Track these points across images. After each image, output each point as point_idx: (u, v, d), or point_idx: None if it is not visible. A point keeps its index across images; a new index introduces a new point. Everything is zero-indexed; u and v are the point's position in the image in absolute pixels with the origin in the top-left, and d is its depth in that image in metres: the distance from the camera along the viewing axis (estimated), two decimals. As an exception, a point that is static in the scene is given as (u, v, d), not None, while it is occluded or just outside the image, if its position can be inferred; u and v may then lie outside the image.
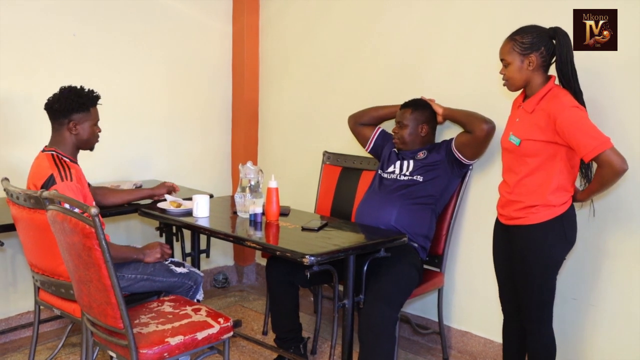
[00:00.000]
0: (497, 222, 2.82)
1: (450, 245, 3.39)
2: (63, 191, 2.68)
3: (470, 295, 3.48)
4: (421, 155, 3.28)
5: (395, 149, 3.39)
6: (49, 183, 2.71)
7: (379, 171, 3.40)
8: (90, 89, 2.91)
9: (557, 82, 2.59)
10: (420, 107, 3.30)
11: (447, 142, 3.25)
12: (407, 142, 3.29)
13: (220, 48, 4.52)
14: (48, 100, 2.87)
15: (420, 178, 3.22)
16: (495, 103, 3.17)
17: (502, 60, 2.63)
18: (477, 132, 3.08)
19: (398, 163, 3.33)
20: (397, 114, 3.34)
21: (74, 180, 2.76)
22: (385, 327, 2.81)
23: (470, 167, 3.33)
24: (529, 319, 2.69)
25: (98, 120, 2.95)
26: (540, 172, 2.57)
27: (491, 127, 3.08)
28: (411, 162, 3.28)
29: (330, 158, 3.91)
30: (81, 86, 2.90)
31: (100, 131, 2.97)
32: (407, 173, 3.26)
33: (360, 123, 3.57)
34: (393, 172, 3.31)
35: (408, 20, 3.63)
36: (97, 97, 2.92)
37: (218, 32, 4.49)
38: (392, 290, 2.89)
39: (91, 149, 2.99)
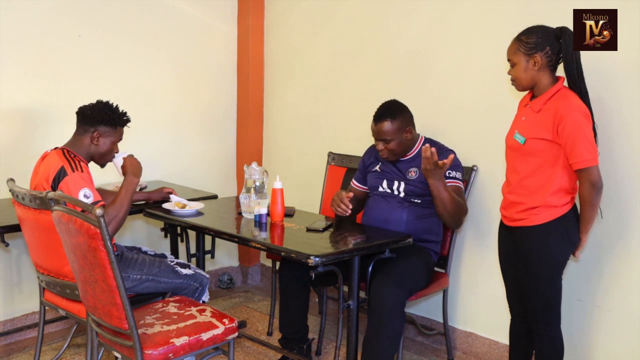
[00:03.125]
0: (501, 224, 2.82)
1: (455, 246, 3.38)
2: (75, 181, 2.72)
3: (475, 296, 3.47)
4: (413, 174, 3.14)
5: (378, 168, 3.26)
6: (60, 175, 2.73)
7: (373, 192, 3.28)
8: (125, 111, 3.02)
9: (565, 83, 2.60)
10: (397, 112, 3.10)
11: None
12: (398, 153, 3.15)
13: (225, 49, 4.53)
14: (82, 105, 2.96)
15: (418, 200, 3.13)
16: (503, 102, 3.16)
17: (509, 60, 2.64)
18: (445, 222, 3.15)
19: (385, 183, 3.20)
20: (374, 130, 3.12)
21: (85, 172, 2.78)
22: (394, 305, 2.80)
23: (475, 169, 3.33)
24: (536, 320, 2.68)
25: (120, 140, 3.03)
26: (542, 172, 2.58)
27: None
28: (402, 183, 3.15)
29: (335, 159, 3.91)
30: (117, 105, 3.00)
31: (117, 151, 3.04)
32: (402, 195, 3.15)
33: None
34: (387, 190, 3.20)
35: (414, 20, 3.62)
36: (128, 120, 3.03)
37: (223, 32, 4.49)
38: (401, 274, 2.88)
39: (102, 165, 3.06)
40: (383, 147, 3.13)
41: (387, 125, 3.07)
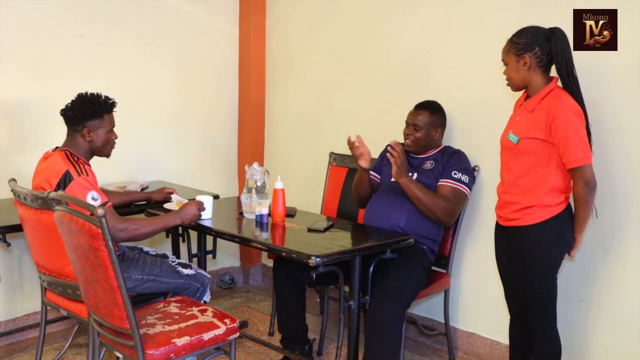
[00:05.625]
0: (497, 224, 2.83)
1: (457, 246, 3.38)
2: (82, 185, 2.69)
3: (477, 297, 3.47)
4: (428, 165, 3.22)
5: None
6: (65, 179, 2.69)
7: (384, 180, 3.35)
8: (106, 95, 2.91)
9: (559, 83, 2.60)
10: (437, 111, 3.24)
11: (447, 167, 3.17)
12: (420, 146, 3.23)
13: (227, 49, 4.53)
14: (63, 107, 2.87)
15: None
16: (503, 102, 3.16)
17: (502, 60, 2.68)
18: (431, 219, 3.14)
19: None
20: (411, 115, 3.24)
21: (90, 175, 2.77)
22: (391, 324, 2.81)
23: (476, 169, 3.33)
24: (532, 319, 2.69)
25: (113, 126, 2.94)
26: (536, 172, 2.58)
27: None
28: (415, 174, 3.21)
29: (337, 159, 3.91)
30: (97, 93, 2.90)
31: (116, 138, 2.96)
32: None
33: (361, 198, 3.40)
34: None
35: (415, 22, 3.63)
36: (113, 104, 2.92)
37: (225, 33, 4.50)
38: (399, 289, 2.88)
39: (107, 155, 2.98)
40: (411, 132, 3.21)
41: (424, 114, 3.21)
